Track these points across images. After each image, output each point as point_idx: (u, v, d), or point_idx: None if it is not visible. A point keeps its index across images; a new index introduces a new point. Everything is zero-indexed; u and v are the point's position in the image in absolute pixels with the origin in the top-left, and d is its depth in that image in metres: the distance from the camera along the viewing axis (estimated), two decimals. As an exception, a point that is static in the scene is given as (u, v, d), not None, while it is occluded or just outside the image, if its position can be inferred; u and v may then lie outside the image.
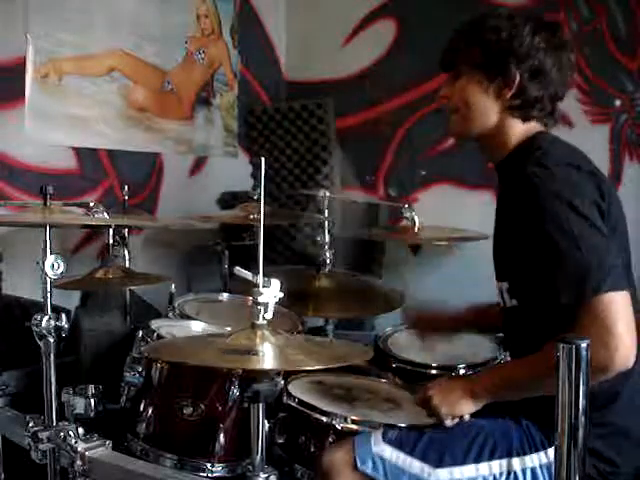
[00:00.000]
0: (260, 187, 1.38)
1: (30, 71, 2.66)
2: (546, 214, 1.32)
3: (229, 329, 1.55)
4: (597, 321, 1.24)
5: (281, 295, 1.30)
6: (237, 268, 1.37)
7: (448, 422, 1.43)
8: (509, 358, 1.83)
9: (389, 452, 1.41)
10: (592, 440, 1.25)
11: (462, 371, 1.91)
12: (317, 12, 3.74)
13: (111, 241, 2.32)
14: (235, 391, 1.69)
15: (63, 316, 1.62)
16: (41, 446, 1.58)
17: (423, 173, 3.38)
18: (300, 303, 2.17)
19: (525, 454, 1.40)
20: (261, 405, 1.34)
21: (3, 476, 1.86)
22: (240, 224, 2.83)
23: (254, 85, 3.75)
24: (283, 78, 3.88)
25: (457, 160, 3.14)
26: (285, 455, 1.60)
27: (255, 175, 3.59)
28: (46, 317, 1.60)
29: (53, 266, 1.57)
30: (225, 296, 2.36)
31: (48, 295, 1.62)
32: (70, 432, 1.57)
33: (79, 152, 2.87)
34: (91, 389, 1.80)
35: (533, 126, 1.51)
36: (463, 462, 1.39)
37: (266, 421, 1.39)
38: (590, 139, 2.64)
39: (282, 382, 1.40)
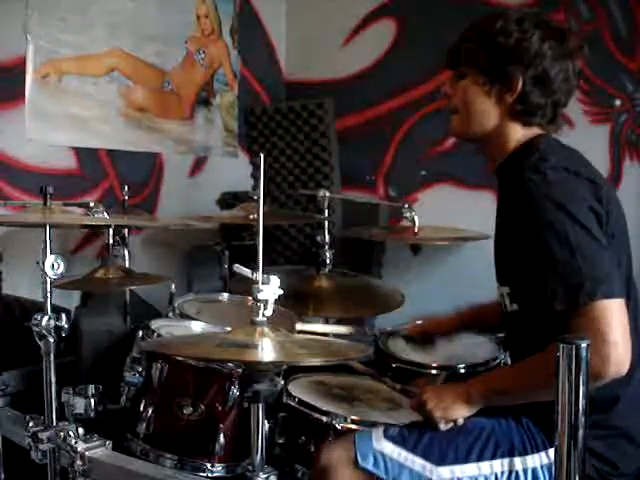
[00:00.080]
0: (260, 184, 1.38)
1: (30, 71, 2.66)
2: (540, 220, 1.32)
3: (229, 329, 1.55)
4: (591, 328, 1.23)
5: (280, 292, 1.30)
6: (236, 265, 1.37)
7: (442, 426, 1.43)
8: (509, 358, 1.83)
9: (390, 448, 1.40)
10: (592, 441, 1.25)
11: (462, 371, 1.91)
12: (317, 12, 3.74)
13: (111, 241, 2.32)
14: (235, 391, 1.69)
15: (63, 316, 1.62)
16: (41, 446, 1.59)
17: (423, 173, 3.37)
18: (300, 303, 2.17)
19: (527, 454, 1.40)
20: (261, 405, 1.34)
21: (3, 476, 1.86)
22: (240, 224, 2.83)
23: (254, 85, 3.75)
24: (283, 78, 3.88)
25: (457, 160, 3.14)
26: (285, 455, 1.60)
27: (255, 175, 3.60)
28: (46, 317, 1.60)
29: (53, 266, 1.57)
30: (225, 296, 2.36)
31: (48, 295, 1.62)
32: (70, 432, 1.57)
33: (79, 152, 2.87)
34: (91, 389, 1.80)
35: (533, 130, 1.50)
36: (465, 460, 1.39)
37: (266, 421, 1.39)
38: (590, 139, 2.64)
39: (282, 382, 1.40)
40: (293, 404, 1.62)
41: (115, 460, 1.56)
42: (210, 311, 2.21)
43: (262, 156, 1.38)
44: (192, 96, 3.38)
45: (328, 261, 2.39)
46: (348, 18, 3.59)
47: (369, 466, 1.39)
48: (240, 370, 1.62)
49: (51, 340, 1.61)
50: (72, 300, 2.56)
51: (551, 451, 1.38)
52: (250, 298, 1.32)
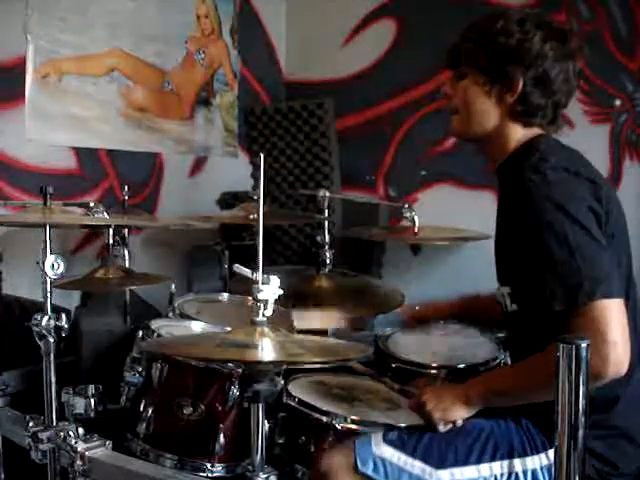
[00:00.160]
0: (260, 184, 1.38)
1: (30, 71, 2.66)
2: (540, 220, 1.32)
3: (229, 329, 1.55)
4: (590, 327, 1.24)
5: (280, 292, 1.30)
6: (236, 265, 1.37)
7: (441, 427, 1.43)
8: (509, 358, 1.83)
9: (390, 453, 1.41)
10: (592, 441, 1.25)
11: (462, 371, 1.90)
12: (317, 12, 3.74)
13: (111, 241, 2.32)
14: (235, 391, 1.69)
15: (63, 316, 1.62)
16: (41, 446, 1.58)
17: (423, 173, 3.37)
18: (300, 303, 2.17)
19: (526, 455, 1.40)
20: (261, 405, 1.34)
21: (3, 476, 1.86)
22: (240, 224, 2.83)
23: (254, 85, 3.75)
24: (283, 78, 3.88)
25: (457, 160, 3.14)
26: (285, 455, 1.60)
27: (255, 175, 3.60)
28: (46, 317, 1.60)
29: (53, 266, 1.57)
30: (225, 296, 2.35)
31: (48, 295, 1.62)
32: (70, 432, 1.57)
33: (79, 152, 2.87)
34: (91, 389, 1.80)
35: (534, 130, 1.50)
36: (464, 463, 1.39)
37: (266, 421, 1.39)
38: (590, 139, 2.64)
39: (282, 382, 1.40)
40: (293, 404, 1.62)
41: (115, 460, 1.56)
42: (210, 311, 2.21)
43: (262, 156, 1.38)
44: (192, 96, 3.38)
45: (328, 261, 2.39)
46: (348, 18, 3.59)
47: (369, 471, 1.39)
48: (240, 370, 1.62)
49: (51, 340, 1.61)
50: (72, 300, 2.56)
51: (551, 452, 1.38)
52: (250, 298, 1.32)
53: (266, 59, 3.80)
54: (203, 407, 1.69)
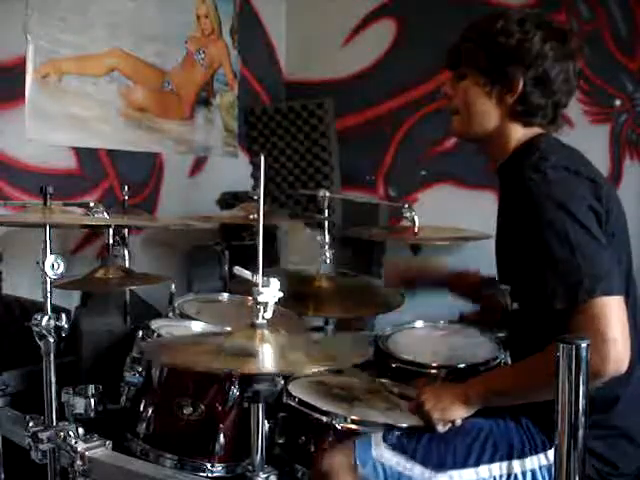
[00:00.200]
0: (260, 184, 1.38)
1: (30, 71, 2.66)
2: (541, 219, 1.32)
3: (229, 329, 1.55)
4: (590, 325, 1.24)
5: (280, 294, 1.30)
6: (237, 267, 1.37)
7: (440, 428, 1.43)
8: (509, 358, 1.83)
9: (389, 456, 1.41)
10: (592, 441, 1.25)
11: (462, 371, 1.90)
12: (317, 12, 3.74)
13: (111, 241, 2.32)
14: (235, 391, 1.69)
15: (63, 316, 1.62)
16: (41, 446, 1.58)
17: (423, 173, 3.38)
18: (300, 303, 2.16)
19: (525, 456, 1.40)
20: (261, 405, 1.34)
21: (3, 476, 1.86)
22: (240, 224, 2.83)
23: (254, 85, 3.75)
24: (283, 78, 3.88)
25: (457, 160, 3.14)
26: (285, 455, 1.60)
27: (255, 175, 3.60)
28: (46, 317, 1.60)
29: (53, 266, 1.57)
30: (225, 296, 2.35)
31: (48, 295, 1.62)
32: (70, 432, 1.57)
33: (79, 152, 2.88)
34: (91, 389, 1.80)
35: (534, 129, 1.50)
36: (463, 465, 1.39)
37: (266, 421, 1.39)
38: (590, 139, 2.64)
39: (282, 382, 1.40)
40: (293, 404, 1.62)
41: (115, 460, 1.56)
42: (210, 311, 2.20)
43: (262, 156, 1.38)
44: (192, 96, 3.38)
45: (328, 261, 2.39)
46: (348, 18, 3.59)
47: (369, 474, 1.39)
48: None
49: (51, 340, 1.61)
50: (72, 300, 2.56)
51: (550, 452, 1.38)
52: (250, 298, 1.32)
53: (266, 59, 3.81)
54: (203, 407, 1.69)
